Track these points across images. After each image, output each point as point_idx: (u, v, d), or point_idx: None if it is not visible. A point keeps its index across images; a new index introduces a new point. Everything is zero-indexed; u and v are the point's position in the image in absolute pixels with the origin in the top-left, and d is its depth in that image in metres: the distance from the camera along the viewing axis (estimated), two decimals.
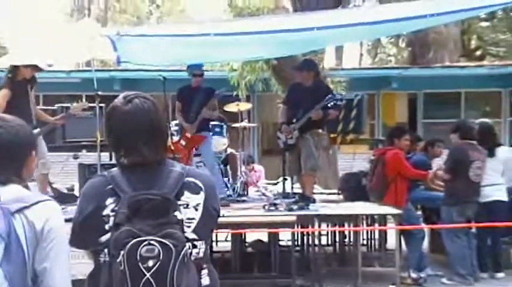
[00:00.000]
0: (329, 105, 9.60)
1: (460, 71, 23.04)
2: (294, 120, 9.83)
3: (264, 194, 10.80)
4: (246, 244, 10.56)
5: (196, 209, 2.83)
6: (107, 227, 2.73)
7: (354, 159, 13.85)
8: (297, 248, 9.87)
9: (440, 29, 23.66)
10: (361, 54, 37.24)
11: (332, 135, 12.02)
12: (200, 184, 2.89)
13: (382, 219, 9.82)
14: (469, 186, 9.59)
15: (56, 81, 14.01)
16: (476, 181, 9.58)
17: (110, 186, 2.79)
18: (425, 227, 9.88)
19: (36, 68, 9.12)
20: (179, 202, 2.78)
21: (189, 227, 2.77)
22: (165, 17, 39.03)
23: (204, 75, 10.64)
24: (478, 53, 32.13)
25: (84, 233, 2.82)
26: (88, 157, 10.67)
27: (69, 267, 2.79)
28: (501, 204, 9.83)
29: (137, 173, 2.83)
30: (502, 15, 26.37)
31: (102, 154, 9.98)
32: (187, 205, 2.81)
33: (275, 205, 9.35)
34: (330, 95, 9.61)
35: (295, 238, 9.83)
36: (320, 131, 9.89)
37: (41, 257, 2.68)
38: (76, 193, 9.73)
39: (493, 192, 9.83)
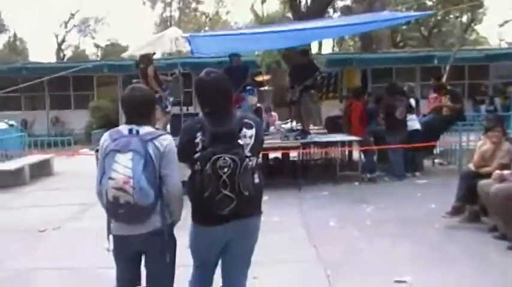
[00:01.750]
0: (318, 78, 9.55)
1: (392, 55, 23.10)
2: (295, 86, 9.70)
3: (279, 130, 10.71)
4: (269, 159, 10.53)
5: (251, 138, 2.83)
6: (197, 149, 2.75)
7: (333, 108, 13.87)
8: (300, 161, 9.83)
9: (379, 30, 23.21)
10: (333, 45, 36.54)
11: (320, 94, 11.94)
12: (252, 123, 2.88)
13: (350, 143, 9.79)
14: (397, 122, 9.49)
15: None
16: (400, 117, 9.50)
17: (199, 125, 2.80)
18: (375, 148, 9.75)
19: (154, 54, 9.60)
20: (240, 134, 2.79)
21: (246, 149, 2.77)
22: (214, 25, 38.58)
23: (240, 57, 10.41)
24: (401, 44, 32.09)
25: (184, 153, 2.83)
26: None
27: (178, 173, 2.85)
28: (417, 131, 9.79)
29: (214, 117, 2.81)
30: (414, 22, 26.10)
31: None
32: (245, 135, 2.81)
33: (287, 136, 9.40)
34: (317, 72, 9.52)
35: (300, 155, 9.74)
36: (312, 91, 9.79)
37: (163, 166, 2.76)
38: (168, 130, 9.67)
39: (412, 124, 9.78)
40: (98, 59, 37.77)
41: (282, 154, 10.19)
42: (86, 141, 19.21)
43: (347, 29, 10.78)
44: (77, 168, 11.84)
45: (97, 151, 8.91)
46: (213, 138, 2.72)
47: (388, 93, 9.79)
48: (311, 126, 10.38)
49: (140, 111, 2.86)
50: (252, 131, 2.85)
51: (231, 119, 2.84)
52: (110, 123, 20.96)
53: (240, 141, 2.75)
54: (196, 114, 10.34)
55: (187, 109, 10.08)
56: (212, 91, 2.87)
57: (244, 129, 2.83)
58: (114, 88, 22.79)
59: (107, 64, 21.82)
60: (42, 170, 11.41)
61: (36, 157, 11.73)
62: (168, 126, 9.59)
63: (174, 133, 8.66)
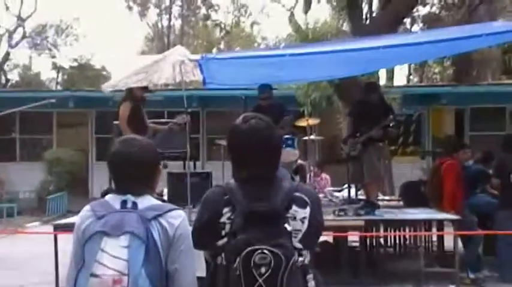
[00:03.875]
0: (390, 124, 9.57)
1: (504, 88, 22.68)
2: (358, 135, 9.81)
3: (331, 200, 10.69)
4: None
5: (303, 222, 2.85)
6: (223, 233, 2.79)
7: (412, 169, 13.74)
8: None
9: (483, 49, 23.06)
10: (409, 73, 36.66)
11: (393, 148, 11.90)
12: (307, 199, 2.90)
13: (441, 223, 9.69)
14: None
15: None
16: None
17: (227, 196, 2.84)
18: (481, 233, 9.51)
19: (145, 89, 9.41)
20: (288, 214, 2.81)
21: (295, 237, 2.79)
22: (234, 42, 39.18)
23: (270, 97, 10.38)
24: None
25: (203, 236, 2.88)
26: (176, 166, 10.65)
27: (195, 268, 2.86)
28: None
29: (251, 186, 2.85)
30: None
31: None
32: (295, 217, 2.83)
33: (343, 210, 9.36)
34: (391, 117, 9.56)
35: (363, 240, 9.69)
36: (381, 144, 9.84)
37: (173, 259, 2.78)
38: (165, 197, 9.75)
39: None
40: (60, 87, 38.49)
41: (336, 237, 10.10)
42: (38, 211, 19.36)
43: (434, 49, 10.65)
44: (22, 253, 11.86)
45: (56, 227, 8.94)
46: (247, 220, 2.73)
47: (504, 149, 9.75)
48: (379, 196, 10.35)
49: (138, 175, 2.92)
50: (306, 212, 2.88)
51: (275, 190, 2.86)
52: (75, 183, 21.16)
53: (287, 227, 2.76)
54: (207, 173, 10.50)
55: (194, 165, 10.15)
56: (252, 147, 2.92)
57: (294, 208, 2.85)
58: (82, 131, 23.11)
59: (74, 96, 22.22)
60: None
61: None
62: (165, 191, 9.68)
63: (173, 200, 8.77)
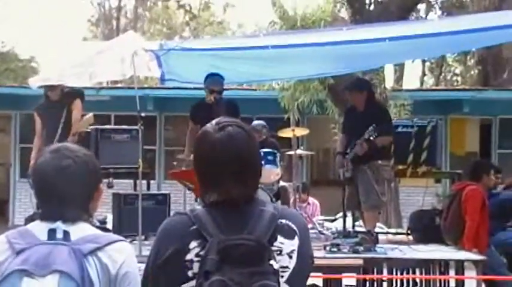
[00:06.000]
0: (371, 138, 9.52)
1: None
2: (348, 151, 9.92)
3: (321, 232, 10.67)
4: None
5: (291, 257, 2.80)
6: (190, 273, 2.70)
7: (424, 194, 13.75)
8: None
9: None
10: (424, 74, 37.00)
11: (401, 167, 11.88)
12: (294, 227, 2.86)
13: (459, 265, 9.70)
14: None
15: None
16: None
17: (194, 227, 2.76)
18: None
19: (55, 87, 9.42)
20: (272, 248, 2.74)
21: (282, 277, 2.72)
22: (202, 29, 39.42)
23: (223, 92, 10.10)
24: None
25: (161, 280, 2.79)
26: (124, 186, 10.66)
27: None
28: None
29: (224, 212, 2.80)
30: None
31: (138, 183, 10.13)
32: (281, 251, 2.78)
33: (336, 246, 9.30)
34: (372, 127, 9.50)
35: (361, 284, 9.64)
36: (380, 162, 9.85)
37: None
38: (109, 225, 9.81)
39: None
40: None
41: (327, 279, 10.09)
42: None
43: (455, 41, 10.69)
44: None
45: None
46: (223, 256, 2.65)
47: None
48: (382, 228, 10.34)
49: (72, 195, 2.85)
50: (294, 243, 2.84)
51: (255, 217, 2.82)
52: None
53: (274, 264, 2.69)
54: (164, 196, 10.45)
55: (148, 185, 10.13)
56: (219, 161, 2.87)
57: (280, 239, 2.81)
58: (2, 139, 23.10)
59: None
60: None
61: None
62: (109, 217, 9.64)
63: (120, 230, 8.79)
